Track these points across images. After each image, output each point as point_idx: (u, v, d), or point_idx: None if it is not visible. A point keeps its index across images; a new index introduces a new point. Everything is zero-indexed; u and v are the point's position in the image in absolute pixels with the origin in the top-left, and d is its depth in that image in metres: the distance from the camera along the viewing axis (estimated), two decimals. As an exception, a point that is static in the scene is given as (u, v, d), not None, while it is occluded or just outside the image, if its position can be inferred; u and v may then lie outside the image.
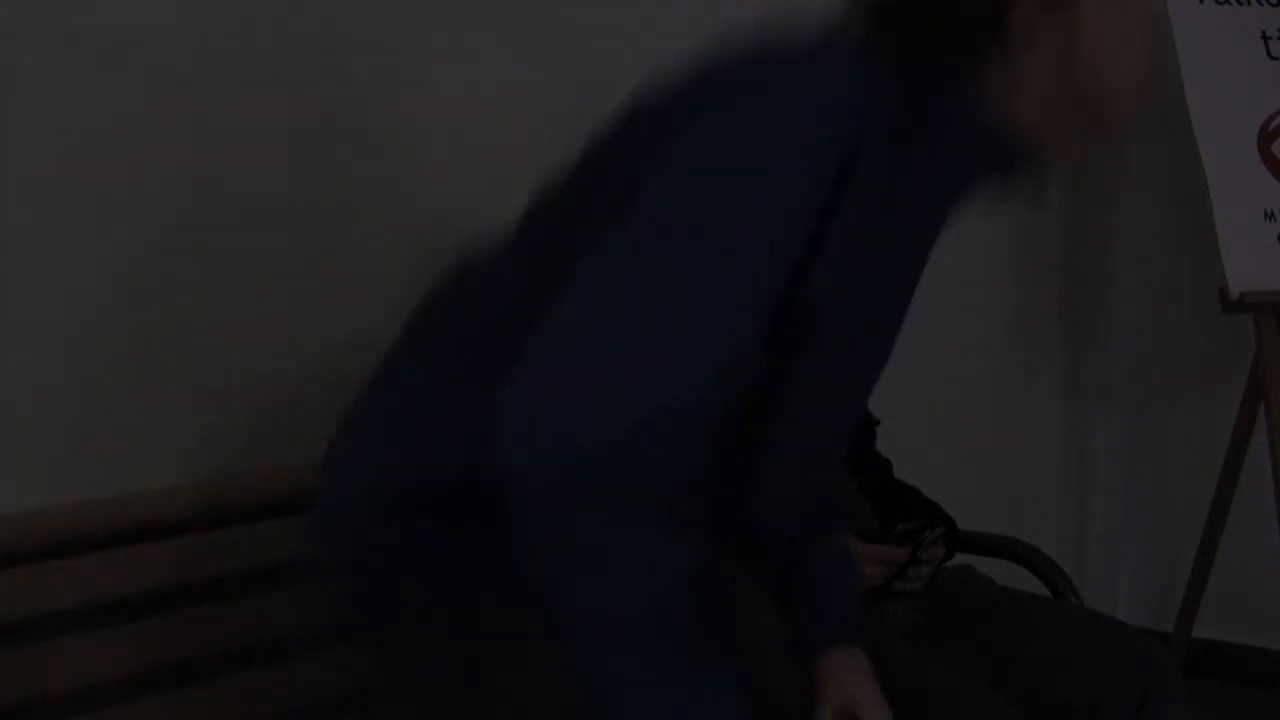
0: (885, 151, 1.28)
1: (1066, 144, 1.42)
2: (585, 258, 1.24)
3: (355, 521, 1.44)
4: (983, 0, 1.31)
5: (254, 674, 1.79)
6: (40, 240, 1.67)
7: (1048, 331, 3.55)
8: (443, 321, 1.52)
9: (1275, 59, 3.08)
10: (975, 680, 1.89)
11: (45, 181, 1.67)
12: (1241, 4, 3.10)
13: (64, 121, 1.68)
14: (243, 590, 1.80)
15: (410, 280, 2.10)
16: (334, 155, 1.98)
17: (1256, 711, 3.32)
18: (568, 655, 1.21)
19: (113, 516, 1.69)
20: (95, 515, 1.68)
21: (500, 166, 2.22)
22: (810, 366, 1.42)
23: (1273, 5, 3.10)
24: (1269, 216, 2.99)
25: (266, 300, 1.92)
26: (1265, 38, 3.09)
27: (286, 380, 1.94)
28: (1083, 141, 1.43)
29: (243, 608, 1.79)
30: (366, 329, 2.05)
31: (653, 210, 1.24)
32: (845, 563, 1.65)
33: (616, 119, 1.42)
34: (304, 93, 1.94)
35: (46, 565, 1.61)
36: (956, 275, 3.24)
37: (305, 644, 1.85)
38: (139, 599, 1.69)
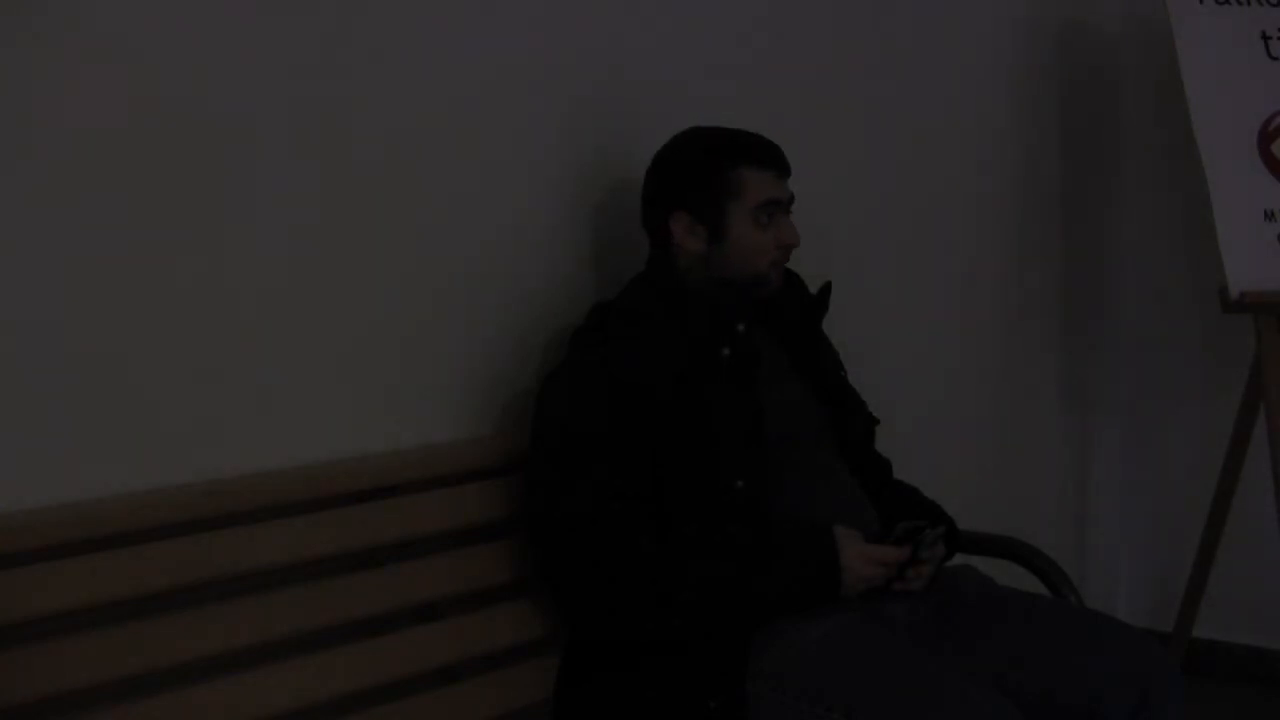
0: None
1: None
2: None
3: None
4: None
5: (257, 674, 1.79)
6: (34, 241, 1.68)
7: (1048, 331, 3.55)
8: None
9: (1275, 59, 3.08)
10: (976, 679, 1.89)
11: (53, 181, 1.68)
12: (1241, 4, 3.10)
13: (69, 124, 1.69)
14: (243, 591, 1.80)
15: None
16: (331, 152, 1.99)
17: (1256, 711, 3.32)
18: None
19: (113, 516, 1.69)
20: (95, 515, 1.68)
21: (498, 165, 2.23)
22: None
23: (1273, 5, 3.10)
24: (1269, 216, 2.99)
25: (268, 298, 1.92)
26: (1265, 38, 3.09)
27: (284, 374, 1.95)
28: None
29: (243, 609, 1.80)
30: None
31: None
32: None
33: None
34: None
35: (46, 565, 1.61)
36: (957, 277, 3.25)
37: (305, 645, 1.86)
38: (139, 599, 1.70)
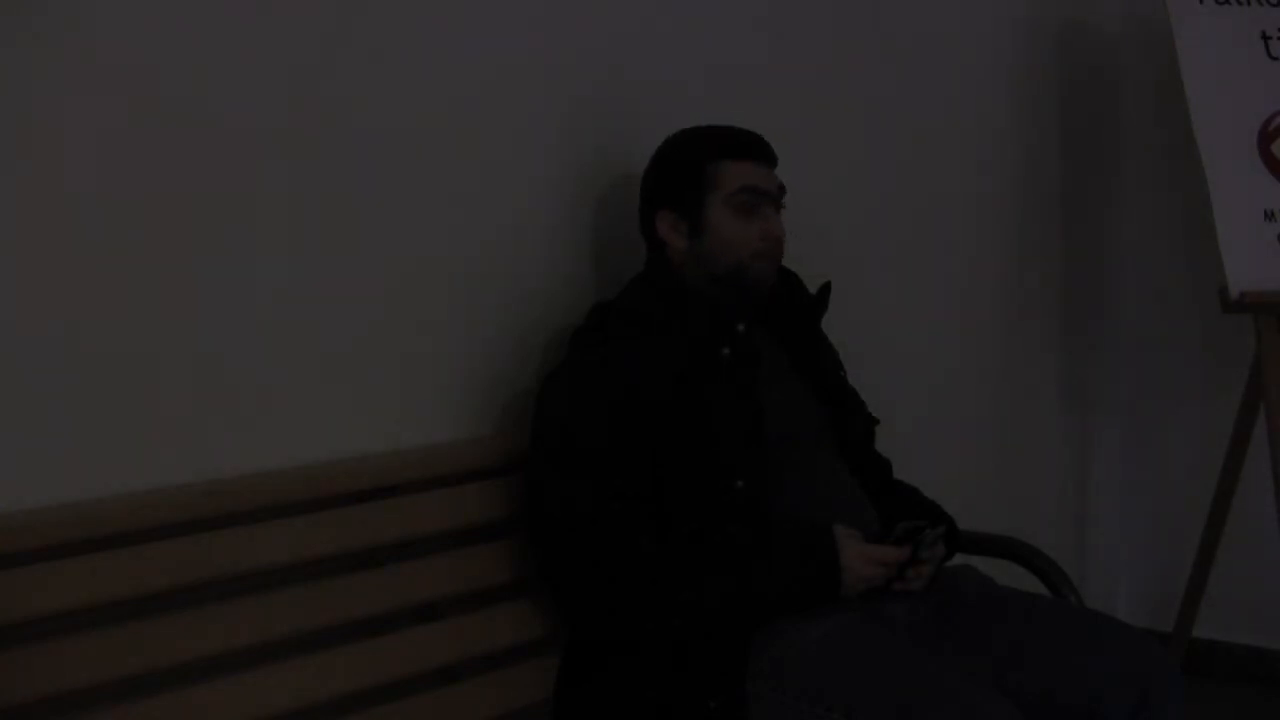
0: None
1: None
2: None
3: None
4: None
5: (257, 674, 1.79)
6: (33, 241, 1.68)
7: (1048, 331, 3.55)
8: None
9: (1275, 59, 3.08)
10: (976, 679, 1.89)
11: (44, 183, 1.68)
12: (1241, 4, 3.10)
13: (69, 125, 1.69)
14: (243, 591, 1.80)
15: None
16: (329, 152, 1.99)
17: (1256, 711, 3.32)
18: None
19: (113, 516, 1.69)
20: (95, 515, 1.68)
21: (499, 166, 2.23)
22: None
23: (1273, 5, 3.10)
24: (1269, 216, 2.99)
25: (268, 298, 1.92)
26: (1265, 38, 3.09)
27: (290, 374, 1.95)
28: None
29: (243, 609, 1.79)
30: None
31: None
32: None
33: None
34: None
35: (46, 565, 1.61)
36: (957, 277, 3.25)
37: (305, 645, 1.86)
38: (139, 599, 1.70)
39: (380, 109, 2.04)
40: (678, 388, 2.05)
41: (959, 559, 2.21)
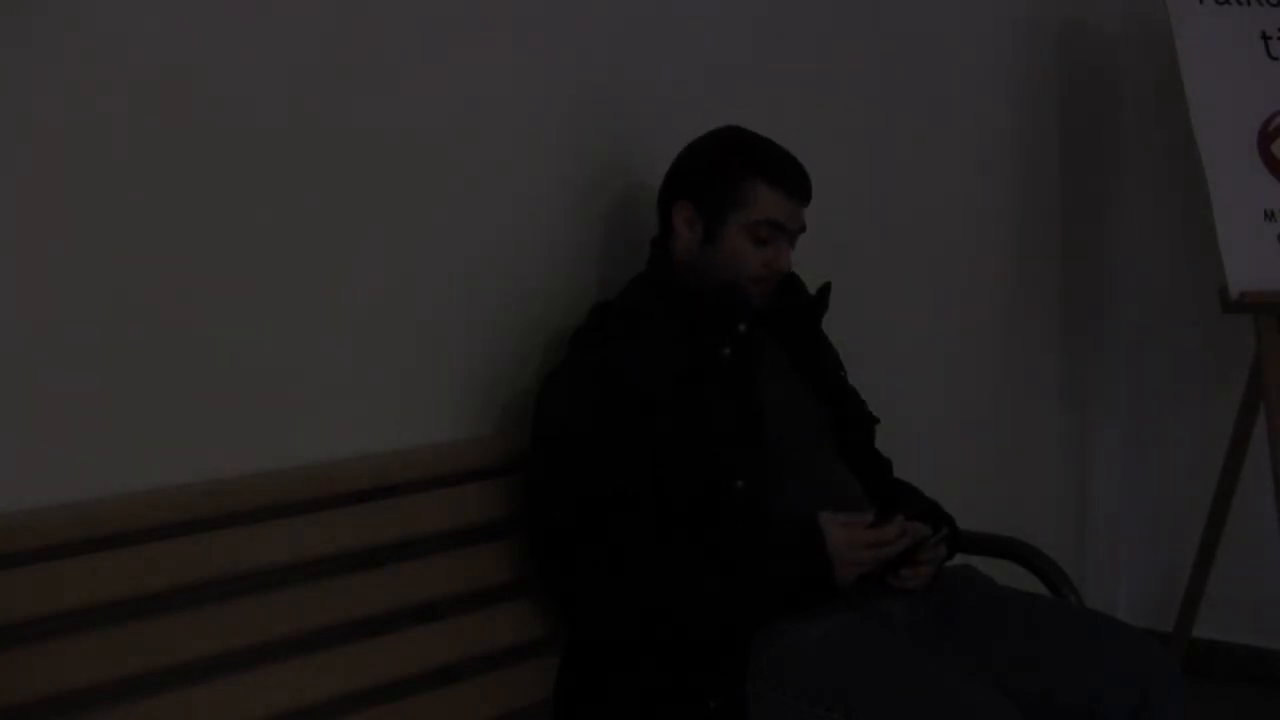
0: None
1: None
2: None
3: None
4: None
5: (257, 674, 1.79)
6: (33, 241, 1.68)
7: (1048, 332, 3.55)
8: None
9: (1275, 59, 3.08)
10: (976, 679, 1.89)
11: (44, 183, 1.68)
12: (1241, 4, 3.10)
13: (64, 123, 1.69)
14: (243, 591, 1.80)
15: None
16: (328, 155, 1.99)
17: (1256, 711, 3.32)
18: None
19: (113, 516, 1.69)
20: (95, 515, 1.68)
21: (499, 167, 2.23)
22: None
23: (1273, 5, 3.10)
24: (1269, 216, 3.00)
25: (267, 299, 1.92)
26: (1265, 38, 3.09)
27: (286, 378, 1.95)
28: None
29: (243, 609, 1.80)
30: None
31: None
32: None
33: None
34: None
35: (46, 565, 1.61)
36: (957, 276, 3.25)
37: (305, 645, 1.86)
38: (139, 599, 1.70)
39: (380, 109, 2.04)
40: (678, 388, 2.05)
41: (959, 559, 2.22)
